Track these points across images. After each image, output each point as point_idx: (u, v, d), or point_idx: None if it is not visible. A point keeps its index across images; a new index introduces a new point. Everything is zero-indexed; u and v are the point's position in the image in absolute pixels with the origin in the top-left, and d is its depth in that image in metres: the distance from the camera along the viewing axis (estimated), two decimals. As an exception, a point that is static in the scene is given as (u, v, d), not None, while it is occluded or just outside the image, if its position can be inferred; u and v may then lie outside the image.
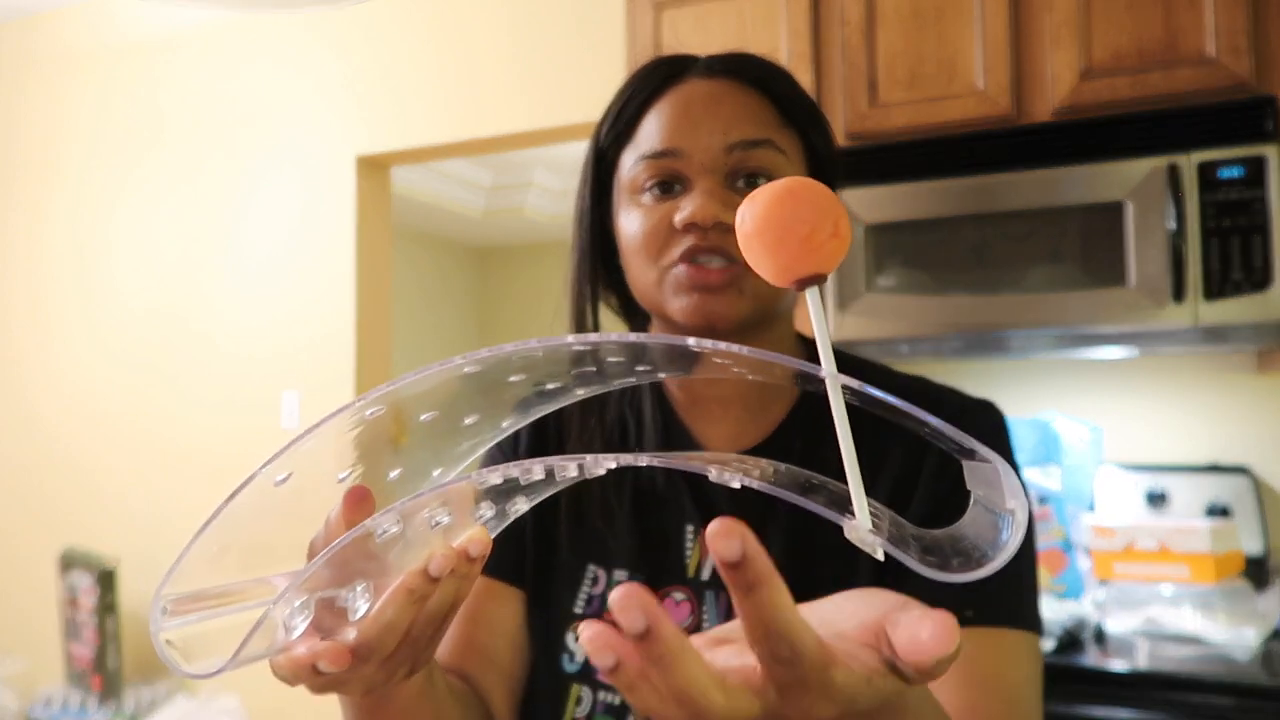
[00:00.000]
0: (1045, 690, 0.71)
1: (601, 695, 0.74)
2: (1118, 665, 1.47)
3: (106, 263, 3.06)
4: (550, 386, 0.50)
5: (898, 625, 0.32)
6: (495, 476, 0.43)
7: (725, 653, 0.35)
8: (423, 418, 0.46)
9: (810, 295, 0.38)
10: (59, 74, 3.18)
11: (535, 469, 0.42)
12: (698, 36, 2.00)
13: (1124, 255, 1.65)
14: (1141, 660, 1.50)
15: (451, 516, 0.45)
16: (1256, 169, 1.58)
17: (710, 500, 0.77)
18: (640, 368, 0.46)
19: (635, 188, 0.75)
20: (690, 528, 0.77)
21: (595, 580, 0.77)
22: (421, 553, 0.45)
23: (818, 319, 0.37)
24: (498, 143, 2.64)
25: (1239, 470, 1.93)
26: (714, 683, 0.33)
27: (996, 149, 1.76)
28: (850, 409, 0.37)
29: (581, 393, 0.51)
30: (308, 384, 2.72)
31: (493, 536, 0.48)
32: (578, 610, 0.76)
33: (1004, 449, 0.76)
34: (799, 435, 0.77)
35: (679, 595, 0.75)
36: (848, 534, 0.36)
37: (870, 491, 0.37)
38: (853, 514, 0.36)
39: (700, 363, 0.45)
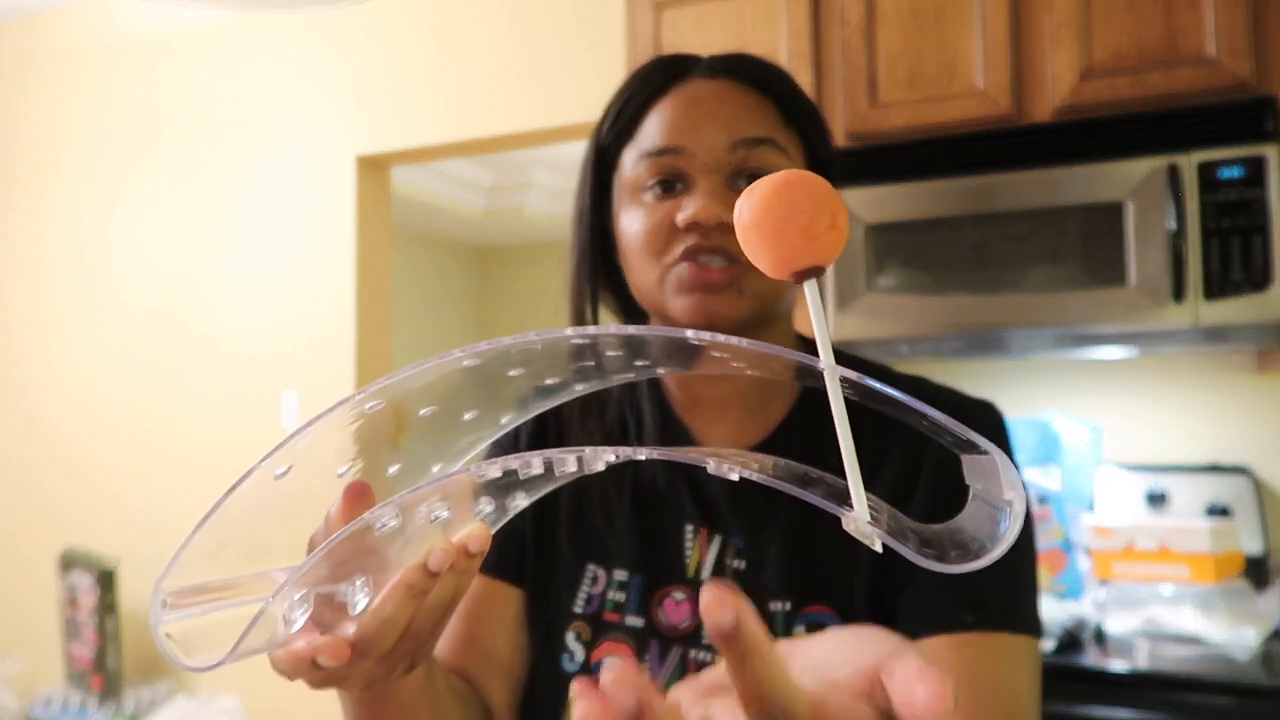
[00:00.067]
0: (1045, 690, 0.71)
1: (601, 694, 0.73)
2: (1118, 665, 1.47)
3: (106, 263, 3.06)
4: (549, 382, 0.50)
5: (893, 675, 0.32)
6: (494, 470, 0.43)
7: (719, 707, 0.35)
8: (422, 412, 0.46)
9: (809, 288, 0.38)
10: (59, 74, 3.18)
11: (534, 463, 0.42)
12: (698, 36, 2.00)
13: (1124, 255, 1.65)
14: (1141, 660, 1.49)
15: (451, 512, 0.45)
16: (1256, 169, 1.58)
17: (710, 500, 0.77)
18: (639, 363, 0.46)
19: (636, 186, 0.75)
20: (690, 527, 0.77)
21: (595, 580, 0.77)
22: (421, 548, 0.45)
23: (816, 312, 0.37)
24: (498, 143, 2.64)
25: (1239, 470, 1.93)
26: None
27: (996, 149, 1.76)
28: (849, 406, 0.37)
29: (580, 388, 0.51)
30: (308, 384, 2.72)
31: (492, 533, 0.48)
32: (577, 610, 0.77)
33: (1003, 449, 0.76)
34: (799, 435, 0.77)
35: (679, 595, 0.75)
36: (846, 525, 0.36)
37: (870, 490, 0.37)
38: (851, 506, 0.36)
39: (699, 358, 0.45)
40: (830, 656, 0.35)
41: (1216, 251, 1.59)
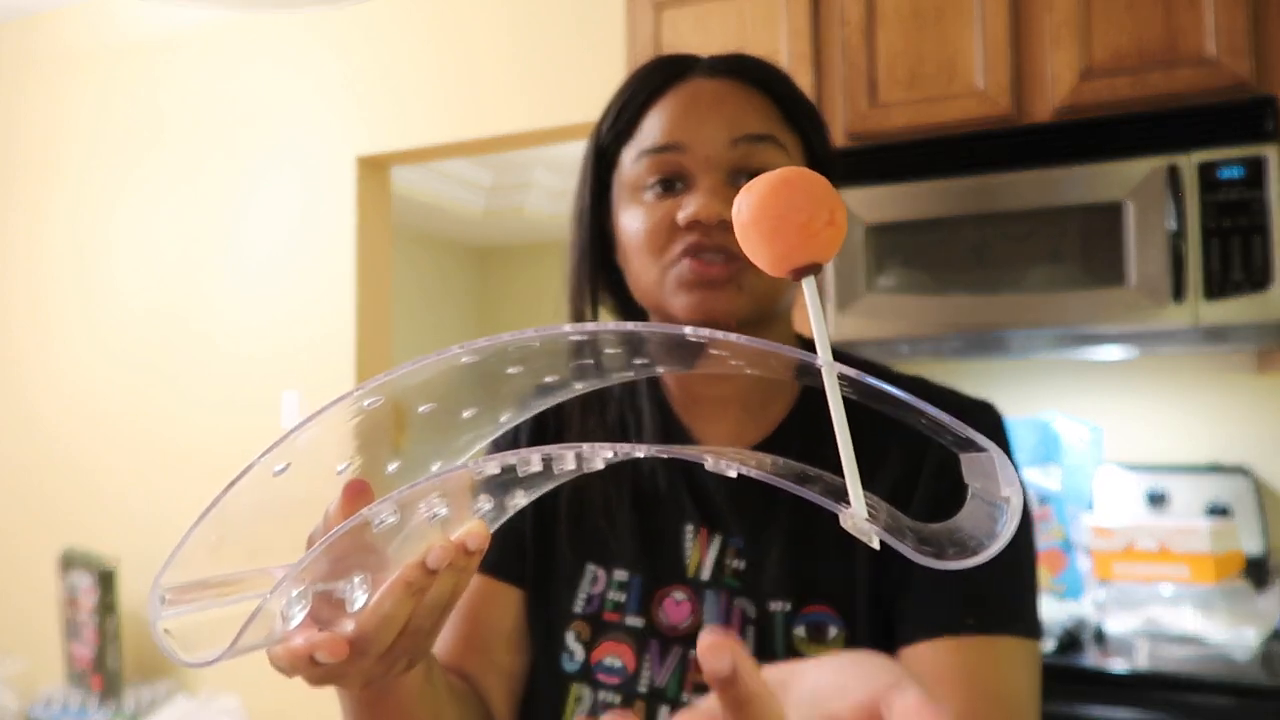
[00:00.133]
0: (1045, 690, 0.71)
1: (601, 695, 0.74)
2: (1118, 665, 1.47)
3: (106, 263, 3.06)
4: (549, 380, 0.50)
5: (893, 710, 0.32)
6: (493, 466, 0.43)
7: None
8: (421, 410, 0.46)
9: (807, 285, 0.38)
10: (59, 74, 3.18)
11: (533, 459, 0.42)
12: (698, 36, 2.00)
13: (1124, 255, 1.65)
14: (1141, 660, 1.49)
15: (449, 509, 0.45)
16: (1256, 169, 1.58)
17: (711, 500, 0.77)
18: (638, 361, 0.46)
19: (637, 185, 0.75)
20: (690, 527, 0.77)
21: (595, 580, 0.77)
22: (419, 546, 0.45)
23: (814, 309, 0.37)
24: (498, 143, 2.64)
25: (1239, 470, 1.93)
26: None
27: (996, 149, 1.76)
28: (849, 406, 0.37)
29: (580, 386, 0.51)
30: (308, 384, 2.72)
31: (491, 531, 0.48)
32: (577, 610, 0.76)
33: (1003, 449, 0.76)
34: (799, 435, 0.77)
35: (679, 595, 0.75)
36: (843, 523, 0.36)
37: (870, 489, 0.37)
38: (849, 504, 0.36)
39: (698, 356, 0.45)
40: (828, 687, 0.35)
41: (1216, 251, 1.59)
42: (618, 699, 0.73)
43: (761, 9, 1.96)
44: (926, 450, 0.74)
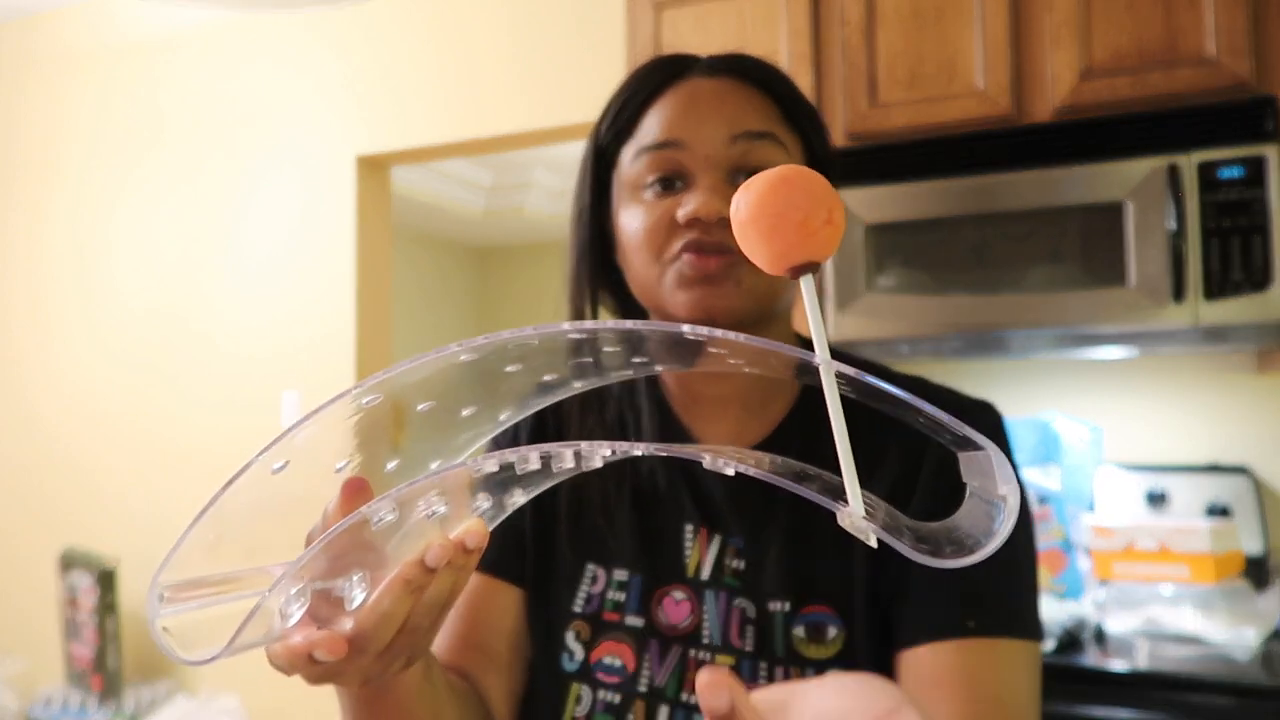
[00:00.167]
0: (1045, 690, 0.71)
1: (601, 694, 0.74)
2: (1118, 665, 1.47)
3: (106, 263, 3.06)
4: (548, 379, 0.50)
5: None
6: (491, 464, 0.43)
7: None
8: (420, 408, 0.46)
9: (805, 284, 0.38)
10: (59, 74, 3.18)
11: (531, 458, 0.42)
12: (698, 36, 2.00)
13: (1124, 255, 1.65)
14: (1141, 660, 1.49)
15: (448, 507, 0.45)
16: (1256, 169, 1.58)
17: (710, 500, 0.77)
18: (637, 359, 0.46)
19: (636, 184, 0.75)
20: (690, 527, 0.77)
21: (595, 579, 0.77)
22: (418, 544, 0.45)
23: (812, 307, 0.37)
24: (498, 143, 2.64)
25: (1239, 470, 1.93)
26: None
27: (996, 149, 1.76)
28: (848, 405, 0.37)
29: (579, 385, 0.51)
30: (308, 384, 2.72)
31: (490, 529, 0.48)
32: (577, 609, 0.76)
33: (1002, 449, 0.76)
34: (799, 434, 0.77)
35: (679, 595, 0.75)
36: (841, 521, 0.36)
37: (868, 488, 0.37)
38: (847, 502, 0.36)
39: (698, 355, 0.45)
40: (830, 711, 0.35)
41: (1216, 251, 1.59)
42: (617, 698, 0.73)
43: (761, 9, 1.96)
44: (926, 449, 0.73)
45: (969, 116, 1.80)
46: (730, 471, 0.37)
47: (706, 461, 0.38)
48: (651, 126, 0.75)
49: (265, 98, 2.85)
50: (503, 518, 0.50)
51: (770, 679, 0.70)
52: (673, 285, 0.73)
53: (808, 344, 0.89)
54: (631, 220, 0.75)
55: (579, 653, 0.75)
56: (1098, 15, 1.73)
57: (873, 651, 0.70)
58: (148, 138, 3.02)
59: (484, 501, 0.48)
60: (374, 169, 2.79)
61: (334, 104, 2.75)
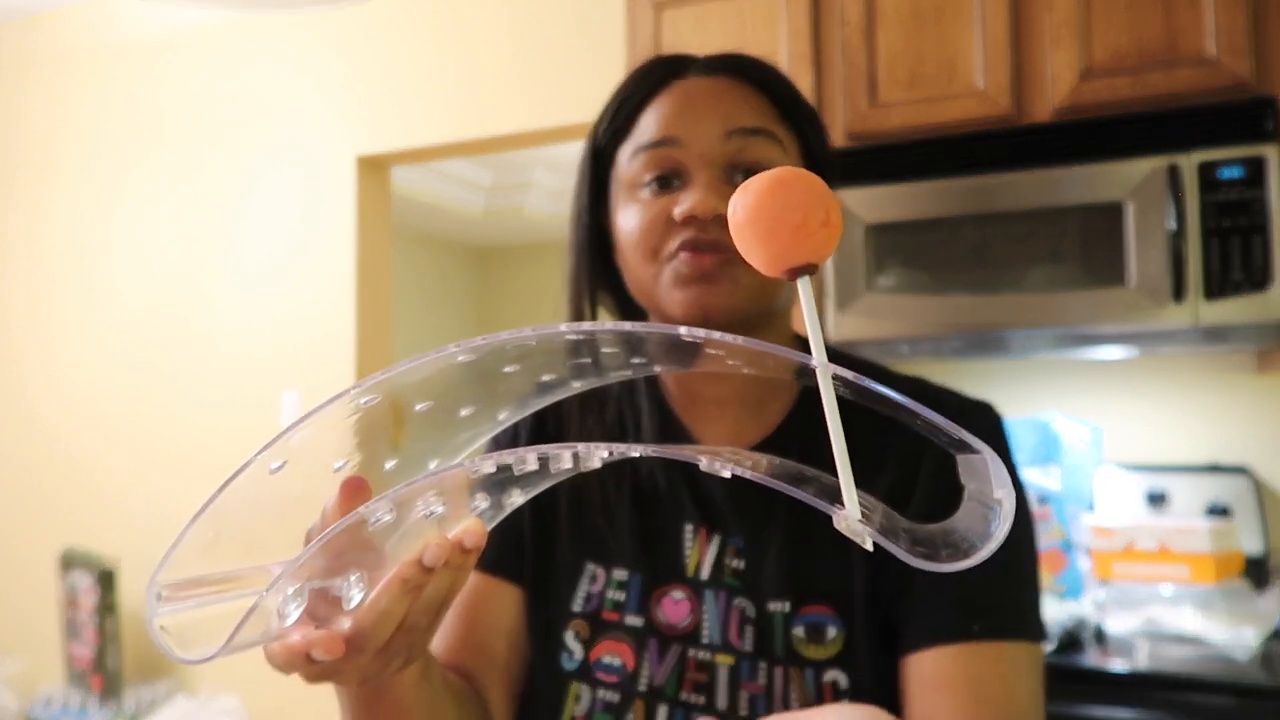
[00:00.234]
0: (1045, 691, 0.71)
1: (600, 693, 0.74)
2: (1118, 665, 1.47)
3: (106, 263, 3.06)
4: (547, 379, 0.50)
5: None
6: (489, 465, 0.43)
7: None
8: (418, 408, 0.46)
9: (802, 285, 0.38)
10: (59, 74, 3.18)
11: (529, 458, 0.42)
12: (698, 36, 2.00)
13: (1124, 255, 1.65)
14: (1141, 660, 1.49)
15: (446, 507, 0.45)
16: (1256, 169, 1.58)
17: (710, 500, 0.77)
18: (636, 360, 0.46)
19: (633, 183, 0.75)
20: (690, 527, 0.77)
21: (594, 578, 0.77)
22: (416, 543, 0.45)
23: (809, 309, 0.37)
24: (498, 143, 2.64)
25: (1239, 470, 1.93)
26: None
27: (996, 149, 1.76)
28: (846, 405, 0.37)
29: (578, 385, 0.51)
30: (308, 384, 2.72)
31: (489, 529, 0.48)
32: (576, 608, 0.76)
33: (1002, 450, 0.76)
34: (798, 435, 0.77)
35: (678, 594, 0.75)
36: (837, 524, 0.36)
37: (867, 490, 0.37)
38: (843, 505, 0.36)
39: (696, 356, 0.45)
40: None
41: (1216, 251, 1.59)
42: (616, 698, 0.73)
43: (761, 9, 1.96)
44: (925, 450, 0.73)
45: (969, 116, 1.80)
46: (727, 474, 0.38)
47: (703, 464, 0.38)
48: (648, 125, 0.75)
49: (265, 98, 2.85)
50: (501, 517, 0.50)
51: (769, 679, 0.70)
52: (669, 284, 0.73)
53: (807, 343, 0.90)
54: (628, 219, 0.75)
55: (578, 652, 0.75)
56: (1098, 15, 1.73)
57: (872, 652, 0.70)
58: (148, 138, 3.02)
59: (482, 501, 0.48)
60: (374, 169, 2.79)
61: (334, 104, 2.75)
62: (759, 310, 0.75)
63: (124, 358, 3.00)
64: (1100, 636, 1.60)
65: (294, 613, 0.43)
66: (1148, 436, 2.06)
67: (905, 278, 1.79)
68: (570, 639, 0.76)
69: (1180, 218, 1.61)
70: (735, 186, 0.73)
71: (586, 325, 0.40)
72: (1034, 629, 0.70)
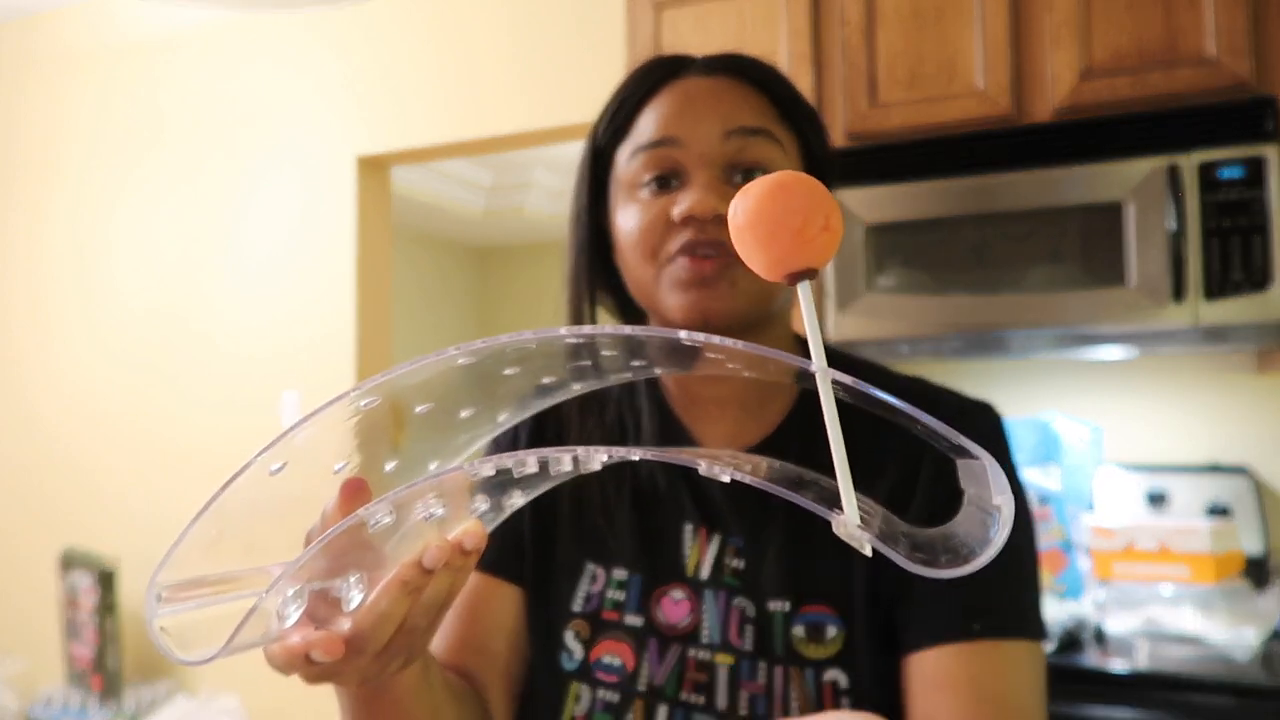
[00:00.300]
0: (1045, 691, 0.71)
1: (600, 693, 0.74)
2: (1118, 665, 1.47)
3: (106, 263, 3.06)
4: (547, 381, 0.50)
5: None
6: (488, 467, 0.43)
7: None
8: (418, 410, 0.46)
9: (802, 290, 0.38)
10: (59, 74, 3.18)
11: (529, 461, 0.42)
12: (698, 36, 2.00)
13: (1124, 255, 1.65)
14: (1141, 660, 1.49)
15: (446, 509, 0.45)
16: (1256, 169, 1.58)
17: (710, 499, 0.77)
18: (636, 363, 0.46)
19: (632, 183, 0.75)
20: (690, 527, 0.77)
21: (594, 578, 0.77)
22: (416, 545, 0.45)
23: (809, 314, 0.37)
24: (498, 143, 2.64)
25: (1239, 470, 1.93)
26: None
27: (996, 149, 1.76)
28: (846, 409, 0.37)
29: (578, 387, 0.51)
30: (308, 384, 2.73)
31: (489, 531, 0.48)
32: (576, 608, 0.76)
33: (1002, 451, 0.76)
34: (797, 437, 0.77)
35: (678, 594, 0.75)
36: (836, 529, 0.36)
37: (867, 494, 0.37)
38: (842, 510, 0.36)
39: (696, 359, 0.45)
40: None
41: (1216, 251, 1.59)
42: (616, 698, 0.73)
43: (761, 9, 1.96)
44: (925, 453, 0.73)
45: (969, 116, 1.80)
46: (726, 479, 0.38)
47: (702, 468, 0.38)
48: (647, 125, 0.75)
49: (265, 98, 2.85)
50: (501, 519, 0.50)
51: (769, 679, 0.70)
52: (669, 287, 0.73)
53: (807, 344, 0.90)
54: (628, 219, 0.75)
55: (578, 652, 0.75)
56: (1098, 15, 1.73)
57: (872, 651, 0.70)
58: (148, 138, 3.02)
59: (482, 503, 0.48)
60: (374, 169, 2.79)
61: (334, 104, 2.75)
62: (758, 313, 0.75)
63: (124, 358, 3.00)
64: (1100, 636, 1.60)
65: (294, 614, 0.43)
66: (1148, 436, 2.06)
67: (905, 278, 1.79)
68: (570, 639, 0.76)
69: (1180, 218, 1.61)
70: (735, 186, 0.73)
71: (586, 328, 0.40)
72: (1035, 628, 0.70)
